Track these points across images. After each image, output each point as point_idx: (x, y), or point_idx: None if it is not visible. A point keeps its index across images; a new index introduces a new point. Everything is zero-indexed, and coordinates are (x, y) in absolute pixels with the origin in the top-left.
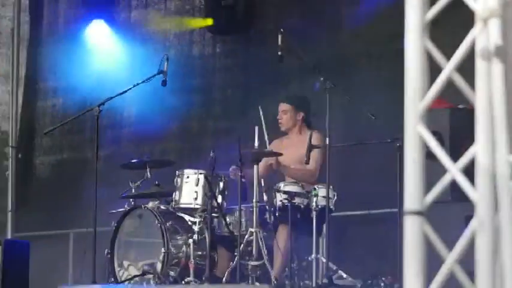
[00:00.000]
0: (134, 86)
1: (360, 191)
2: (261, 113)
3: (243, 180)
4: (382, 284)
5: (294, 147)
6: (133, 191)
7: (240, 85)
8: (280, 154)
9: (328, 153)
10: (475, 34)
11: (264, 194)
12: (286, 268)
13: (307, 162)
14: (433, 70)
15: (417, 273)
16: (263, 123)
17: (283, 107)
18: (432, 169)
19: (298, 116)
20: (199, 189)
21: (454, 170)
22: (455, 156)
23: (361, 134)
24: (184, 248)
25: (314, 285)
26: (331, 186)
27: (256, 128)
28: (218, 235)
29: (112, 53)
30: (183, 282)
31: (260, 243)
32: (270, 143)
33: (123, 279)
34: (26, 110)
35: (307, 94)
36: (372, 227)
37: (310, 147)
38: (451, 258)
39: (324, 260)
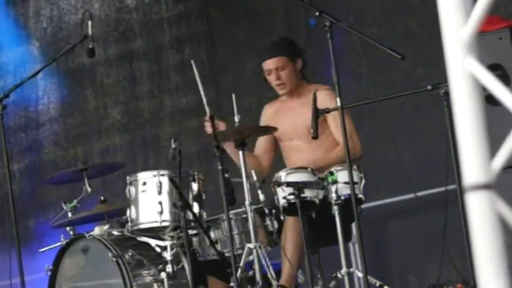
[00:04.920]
0: (43, 67)
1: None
2: (194, 66)
3: (226, 175)
4: None
5: (296, 116)
6: (69, 215)
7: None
8: (275, 129)
9: (342, 118)
10: None
11: (259, 191)
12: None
13: (314, 137)
14: None
15: (496, 273)
16: (198, 80)
17: (276, 62)
18: (496, 120)
19: (297, 65)
20: (164, 198)
21: None
22: None
23: (389, 86)
24: (155, 287)
25: None
26: (354, 166)
27: (234, 96)
28: (203, 261)
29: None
30: None
31: (264, 262)
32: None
33: None
34: None
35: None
36: (420, 216)
37: (317, 113)
38: None
39: (361, 275)
